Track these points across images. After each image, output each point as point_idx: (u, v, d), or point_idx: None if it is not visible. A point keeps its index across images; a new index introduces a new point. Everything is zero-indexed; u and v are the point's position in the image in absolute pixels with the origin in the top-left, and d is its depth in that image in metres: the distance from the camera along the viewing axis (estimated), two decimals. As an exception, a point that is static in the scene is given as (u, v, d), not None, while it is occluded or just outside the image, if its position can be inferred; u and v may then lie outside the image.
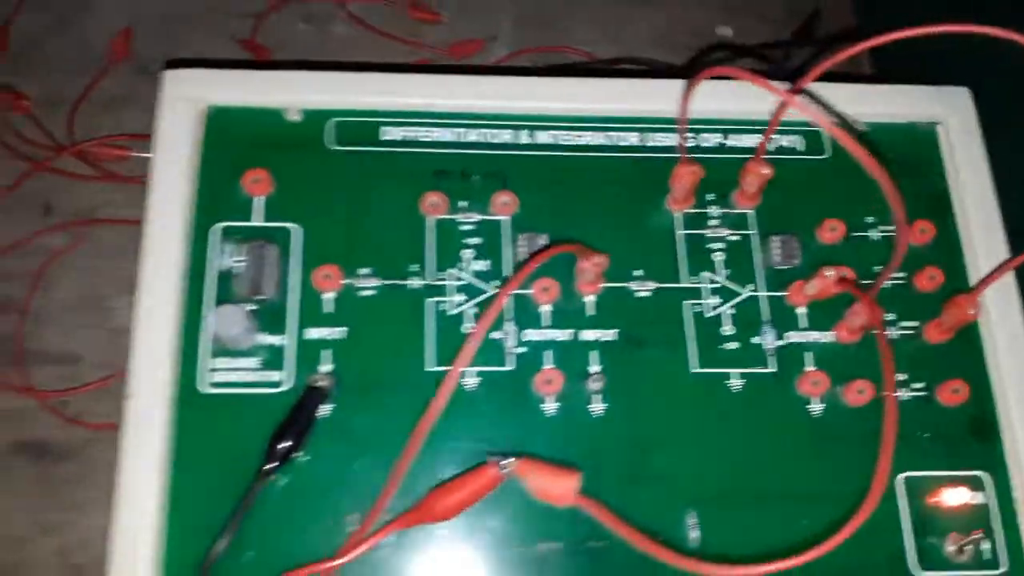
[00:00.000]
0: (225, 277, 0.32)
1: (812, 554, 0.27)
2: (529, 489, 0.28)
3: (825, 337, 0.34)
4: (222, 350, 0.32)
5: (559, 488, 0.27)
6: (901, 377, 0.33)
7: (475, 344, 0.30)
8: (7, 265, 0.44)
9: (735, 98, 0.36)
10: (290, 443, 0.30)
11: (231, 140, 0.34)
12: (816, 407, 0.33)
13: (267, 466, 0.30)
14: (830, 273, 0.32)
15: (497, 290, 0.33)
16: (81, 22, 0.52)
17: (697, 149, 0.36)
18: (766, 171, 0.33)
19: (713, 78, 0.31)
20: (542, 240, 0.34)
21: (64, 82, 0.50)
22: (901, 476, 0.32)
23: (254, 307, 0.32)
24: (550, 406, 0.32)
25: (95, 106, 0.49)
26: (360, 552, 0.28)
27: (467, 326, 0.33)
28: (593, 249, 0.32)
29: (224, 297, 0.32)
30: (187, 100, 0.35)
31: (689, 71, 0.34)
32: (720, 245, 0.35)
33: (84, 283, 0.44)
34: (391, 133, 0.35)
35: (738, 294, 0.34)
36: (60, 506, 0.38)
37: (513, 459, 0.29)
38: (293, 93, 0.35)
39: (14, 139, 0.47)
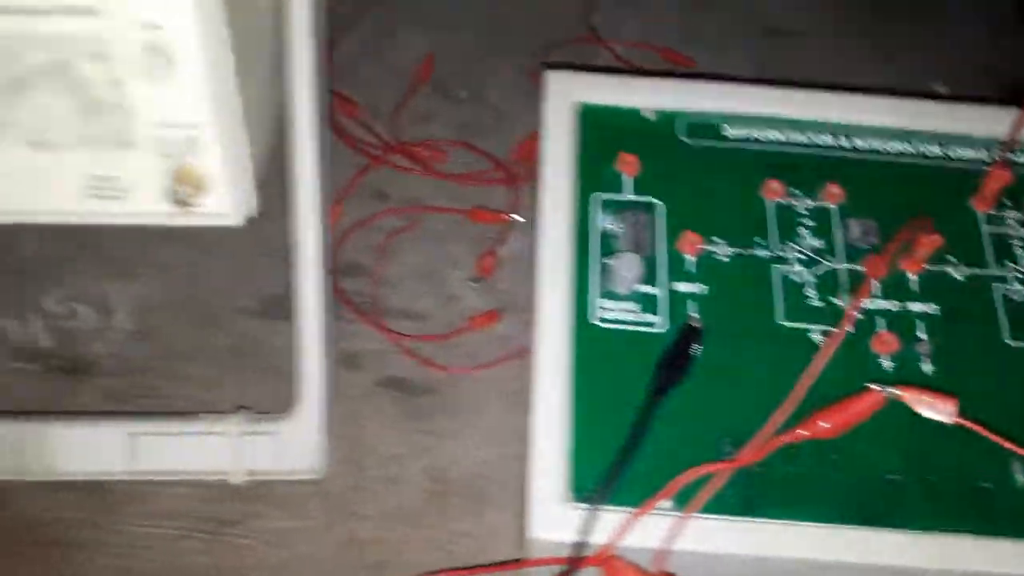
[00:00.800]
0: (605, 236, 0.40)
1: None
2: (916, 406, 0.33)
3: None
4: (608, 293, 0.39)
5: (945, 405, 0.32)
6: None
7: (853, 313, 0.37)
8: (357, 239, 0.52)
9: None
10: (675, 371, 0.36)
11: (601, 130, 0.42)
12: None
13: (657, 390, 0.36)
14: None
15: (832, 262, 0.39)
16: (390, 48, 0.62)
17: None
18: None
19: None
20: (871, 224, 0.40)
21: (379, 97, 0.59)
22: None
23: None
24: (886, 363, 0.38)
25: (405, 118, 0.58)
26: (757, 456, 0.33)
27: (808, 291, 0.39)
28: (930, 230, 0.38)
29: (606, 252, 0.39)
30: (565, 97, 0.43)
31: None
32: (1020, 242, 0.40)
33: (418, 258, 0.51)
34: (731, 132, 0.43)
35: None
36: (423, 431, 0.45)
37: (895, 388, 0.34)
38: (649, 96, 0.43)
39: (351, 139, 0.56)
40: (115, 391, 0.44)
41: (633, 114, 0.43)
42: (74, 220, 0.34)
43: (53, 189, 0.33)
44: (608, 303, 0.38)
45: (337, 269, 0.50)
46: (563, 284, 0.38)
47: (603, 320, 0.38)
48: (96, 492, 0.41)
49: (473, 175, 0.55)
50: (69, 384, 0.44)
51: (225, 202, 0.34)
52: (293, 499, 0.41)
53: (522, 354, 0.47)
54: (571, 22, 0.65)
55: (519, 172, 0.55)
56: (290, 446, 0.40)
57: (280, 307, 0.48)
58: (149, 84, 0.31)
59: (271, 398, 0.44)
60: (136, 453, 0.40)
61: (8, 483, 0.40)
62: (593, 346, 0.37)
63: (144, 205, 0.34)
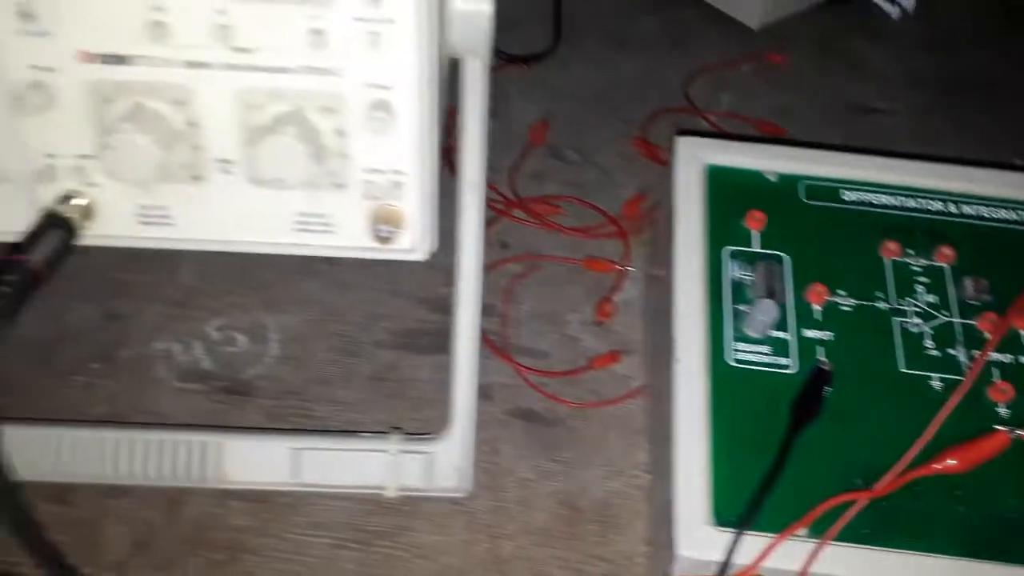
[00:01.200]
0: (736, 285, 0.43)
1: None
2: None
3: None
4: (742, 336, 0.42)
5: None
6: None
7: (980, 363, 0.40)
8: (485, 283, 0.55)
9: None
10: (810, 409, 0.39)
11: (728, 190, 0.46)
12: None
13: (794, 426, 0.39)
14: None
15: (949, 317, 0.42)
16: (505, 113, 0.67)
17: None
18: None
19: None
20: (983, 282, 0.44)
21: (498, 157, 0.64)
22: None
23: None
24: (1002, 410, 0.41)
25: (522, 176, 0.63)
26: (890, 489, 0.36)
27: (927, 342, 0.42)
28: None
29: (738, 299, 0.43)
30: (694, 159, 0.47)
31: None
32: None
33: (539, 301, 0.55)
34: (848, 195, 0.47)
35: None
36: (553, 460, 0.48)
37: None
38: (771, 160, 0.48)
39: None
40: (272, 411, 0.48)
41: (757, 176, 0.47)
42: (281, 251, 0.39)
43: (268, 223, 0.38)
44: (742, 345, 0.42)
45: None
46: (699, 327, 0.42)
47: (738, 361, 0.41)
48: (261, 501, 0.44)
49: (585, 228, 0.60)
50: (231, 404, 0.49)
51: (416, 240, 0.38)
52: (439, 516, 0.45)
53: (642, 393, 0.51)
54: (668, 93, 0.70)
55: (627, 226, 0.60)
56: (440, 466, 0.43)
57: (412, 341, 0.53)
58: (369, 135, 0.36)
59: (408, 421, 0.48)
60: (299, 467, 0.43)
61: (185, 489, 0.44)
62: (729, 384, 0.41)
63: (347, 240, 0.38)
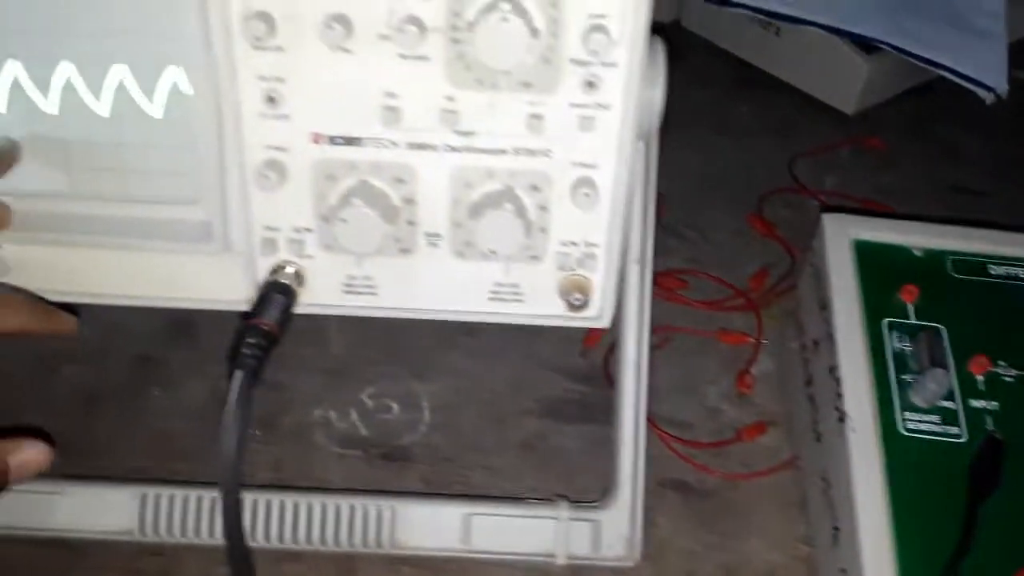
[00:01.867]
0: (898, 356, 0.44)
1: None
2: None
3: None
4: (911, 406, 0.43)
5: None
6: None
7: None
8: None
9: None
10: (990, 480, 0.40)
11: (878, 264, 0.48)
12: None
13: (976, 497, 0.39)
14: None
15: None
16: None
17: None
18: None
19: None
20: None
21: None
22: None
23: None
24: None
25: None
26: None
27: (1093, 413, 0.43)
28: None
29: (901, 370, 0.44)
30: (841, 234, 0.49)
31: None
32: None
33: (676, 373, 0.56)
34: (995, 269, 0.48)
35: None
36: (711, 531, 0.48)
37: None
38: (917, 236, 0.49)
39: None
40: (430, 478, 0.49)
41: (904, 251, 0.49)
42: (474, 319, 0.41)
43: (465, 293, 0.40)
44: (912, 415, 0.43)
45: (611, 379, 0.55)
46: (868, 398, 0.43)
47: (909, 430, 0.42)
48: (432, 568, 0.45)
49: (714, 302, 0.61)
50: (390, 470, 0.50)
51: (603, 307, 0.40)
52: (606, 585, 0.45)
53: (792, 464, 0.51)
54: (773, 174, 0.72)
55: (756, 299, 0.61)
56: (608, 534, 0.44)
57: (558, 410, 0.54)
58: (570, 210, 0.38)
59: (563, 489, 0.48)
60: (469, 532, 0.44)
61: (355, 555, 0.45)
62: (903, 454, 0.41)
63: (536, 308, 0.40)
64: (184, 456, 0.50)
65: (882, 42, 0.74)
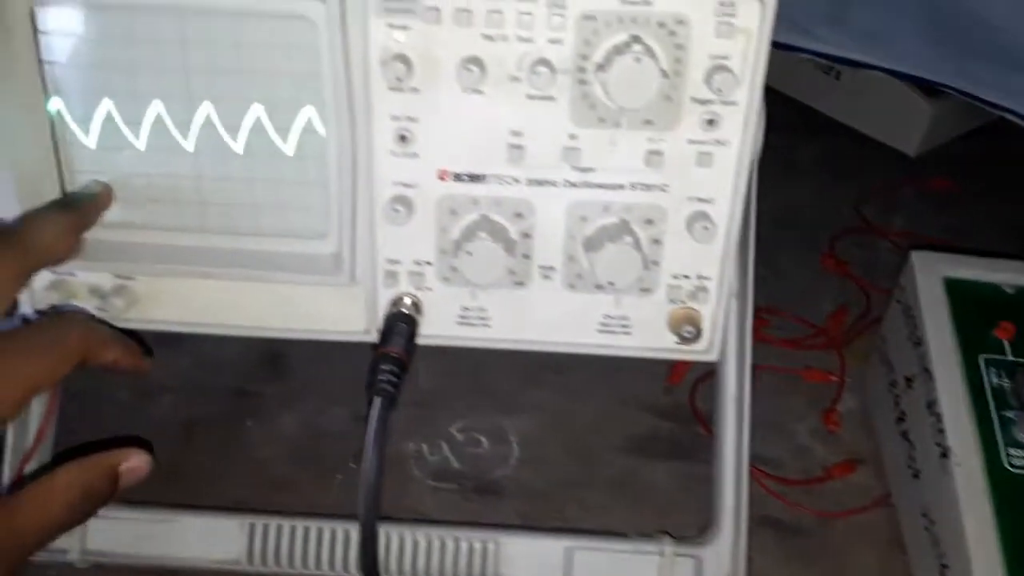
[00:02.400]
0: (997, 392, 0.45)
1: None
2: None
3: None
4: (1014, 441, 0.43)
5: None
6: None
7: None
8: (705, 392, 0.58)
9: None
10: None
11: (970, 301, 0.48)
12: None
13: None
14: None
15: None
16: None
17: None
18: None
19: None
20: None
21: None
22: None
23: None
24: None
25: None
26: None
27: None
28: None
29: (1001, 406, 0.44)
30: (932, 273, 0.50)
31: None
32: None
33: (763, 410, 0.54)
34: (1091, 307, 0.49)
35: None
36: (808, 570, 0.48)
37: None
38: (1007, 274, 0.50)
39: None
40: (525, 512, 0.50)
41: (995, 288, 0.50)
42: (583, 351, 0.41)
43: (576, 325, 0.41)
44: (1017, 451, 0.43)
45: (700, 416, 0.56)
46: (971, 434, 0.43)
47: (1013, 465, 0.42)
48: (533, 600, 0.45)
49: (796, 340, 0.61)
50: (484, 503, 0.50)
51: (712, 340, 0.41)
52: (710, 621, 0.45)
53: (886, 502, 0.51)
54: (842, 215, 0.73)
55: (836, 337, 0.62)
56: (710, 570, 0.44)
57: (646, 446, 0.55)
58: (683, 244, 0.39)
59: (657, 525, 0.48)
60: (571, 567, 0.44)
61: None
62: (1010, 489, 0.41)
63: (644, 341, 0.41)
64: (281, 486, 0.51)
65: (947, 86, 0.76)
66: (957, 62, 0.78)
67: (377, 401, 0.34)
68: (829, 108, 0.85)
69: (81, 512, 0.33)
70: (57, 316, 0.40)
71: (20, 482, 0.35)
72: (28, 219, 0.38)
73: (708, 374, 0.58)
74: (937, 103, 0.79)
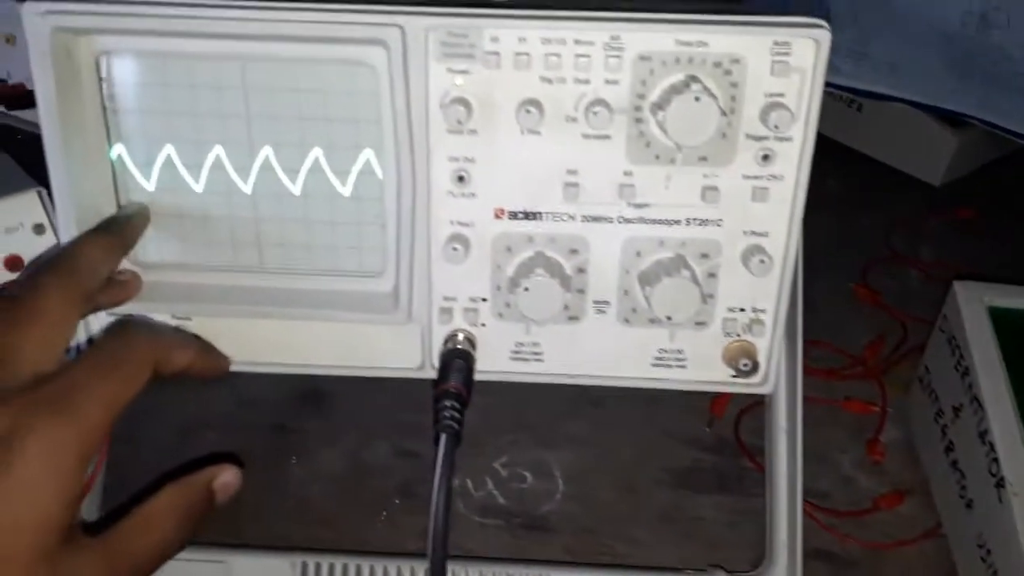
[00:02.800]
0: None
1: None
2: None
3: None
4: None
5: None
6: None
7: None
8: (748, 423, 0.58)
9: None
10: None
11: (1014, 328, 0.49)
12: None
13: None
14: None
15: None
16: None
17: None
18: None
19: None
20: None
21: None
22: None
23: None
24: None
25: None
26: None
27: None
28: None
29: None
30: (976, 301, 0.50)
31: None
32: None
33: (807, 441, 0.53)
34: None
35: None
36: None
37: None
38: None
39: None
40: (573, 547, 0.50)
41: (1037, 317, 0.50)
42: (636, 385, 0.42)
43: (629, 359, 0.41)
44: (1073, 480, 0.43)
45: (746, 449, 0.56)
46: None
47: (1073, 495, 0.42)
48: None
49: (834, 370, 0.62)
50: (532, 539, 0.50)
51: (767, 373, 0.41)
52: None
53: (937, 532, 0.50)
54: (870, 246, 0.73)
55: (875, 366, 0.62)
56: (766, 604, 0.44)
57: (689, 480, 0.54)
58: (739, 277, 0.39)
59: (708, 560, 0.48)
60: (625, 602, 0.44)
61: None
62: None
63: (699, 374, 0.41)
64: (327, 523, 0.51)
65: (971, 116, 0.76)
66: (980, 93, 0.79)
67: (443, 438, 0.35)
68: (851, 139, 0.86)
69: (185, 533, 0.33)
70: (118, 328, 0.38)
71: (115, 512, 0.35)
72: (70, 245, 0.38)
73: (751, 406, 0.59)
74: (961, 133, 0.80)
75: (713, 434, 0.57)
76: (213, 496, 0.34)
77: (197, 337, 0.41)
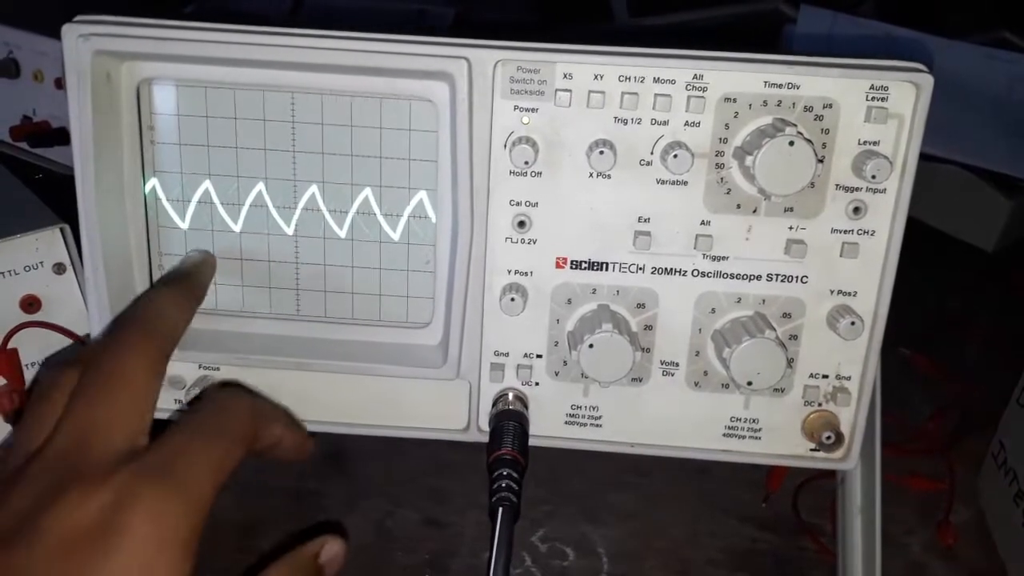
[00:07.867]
0: None
1: None
2: None
3: None
4: None
5: None
6: None
7: None
8: (805, 500, 0.53)
9: None
10: None
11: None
12: None
13: None
14: None
15: None
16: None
17: None
18: None
19: None
20: None
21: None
22: None
23: None
24: None
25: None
26: None
27: None
28: None
29: None
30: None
31: None
32: None
33: None
34: None
35: None
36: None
37: None
38: None
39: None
40: (623, 633, 0.45)
41: None
42: (705, 456, 0.38)
43: (698, 428, 0.38)
44: None
45: (806, 528, 0.51)
46: None
47: None
48: None
49: (896, 445, 0.57)
50: (578, 622, 0.46)
51: (851, 447, 0.37)
52: None
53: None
54: (926, 310, 0.69)
55: (939, 440, 0.57)
56: None
57: (749, 562, 0.50)
58: (822, 340, 0.36)
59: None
60: None
61: None
62: None
63: (775, 447, 0.37)
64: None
65: (1028, 181, 0.74)
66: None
67: (500, 512, 0.31)
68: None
69: None
70: (220, 394, 0.35)
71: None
72: (144, 302, 0.35)
73: (809, 479, 0.54)
74: (1016, 199, 0.78)
75: (769, 510, 0.54)
76: (322, 571, 0.32)
77: (287, 409, 0.37)
